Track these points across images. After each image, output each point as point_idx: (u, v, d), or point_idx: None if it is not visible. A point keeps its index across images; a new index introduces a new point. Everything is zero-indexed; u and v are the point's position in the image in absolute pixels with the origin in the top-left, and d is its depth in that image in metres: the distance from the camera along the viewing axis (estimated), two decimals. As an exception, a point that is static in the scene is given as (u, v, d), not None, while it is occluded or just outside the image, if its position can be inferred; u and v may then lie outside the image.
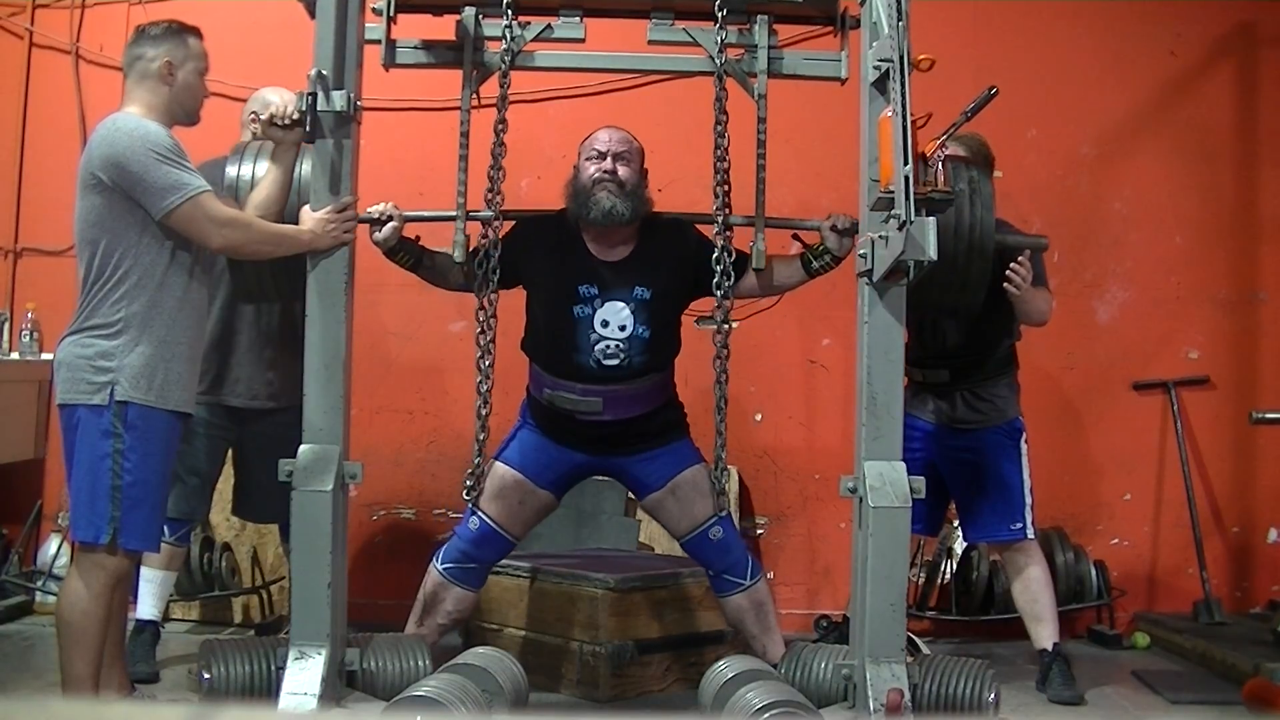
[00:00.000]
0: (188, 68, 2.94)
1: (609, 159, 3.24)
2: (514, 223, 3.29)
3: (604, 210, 3.19)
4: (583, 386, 3.25)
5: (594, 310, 3.23)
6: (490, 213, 3.16)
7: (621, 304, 3.23)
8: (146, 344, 2.81)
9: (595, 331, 3.22)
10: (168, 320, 2.85)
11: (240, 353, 3.66)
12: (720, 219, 3.17)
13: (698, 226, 3.33)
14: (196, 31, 3.00)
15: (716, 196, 3.17)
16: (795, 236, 3.34)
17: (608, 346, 3.22)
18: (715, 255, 3.15)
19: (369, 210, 3.12)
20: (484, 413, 3.19)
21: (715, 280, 3.14)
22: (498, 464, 3.34)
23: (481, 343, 3.20)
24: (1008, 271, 3.37)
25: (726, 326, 3.15)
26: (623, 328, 3.23)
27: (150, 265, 2.83)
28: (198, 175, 2.84)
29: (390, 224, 3.14)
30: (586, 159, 3.28)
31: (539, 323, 3.34)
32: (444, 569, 3.30)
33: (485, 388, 3.20)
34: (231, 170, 3.23)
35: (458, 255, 3.14)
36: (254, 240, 2.90)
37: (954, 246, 3.08)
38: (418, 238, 3.25)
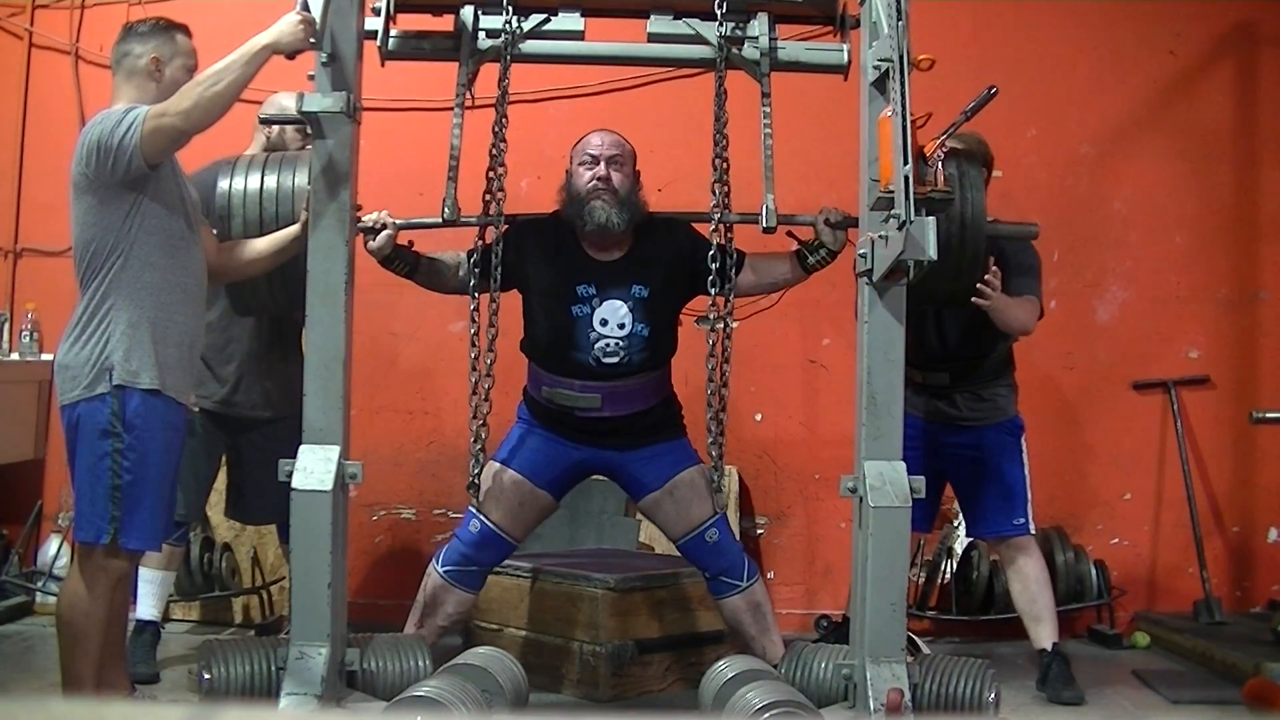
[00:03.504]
0: (175, 64, 2.92)
1: (602, 164, 3.25)
2: (507, 225, 3.29)
3: (599, 223, 3.22)
4: (581, 383, 3.26)
5: (592, 309, 3.24)
6: (485, 217, 3.15)
7: (620, 302, 3.24)
8: (138, 324, 2.80)
9: (595, 330, 3.23)
10: (156, 301, 2.82)
11: (238, 362, 3.66)
12: (718, 214, 3.15)
13: (693, 225, 3.33)
14: (185, 29, 2.99)
15: (714, 195, 3.17)
16: (790, 233, 3.33)
17: (607, 345, 3.24)
18: (712, 253, 3.13)
19: (363, 220, 3.11)
20: (483, 410, 3.16)
21: (711, 279, 3.13)
22: (496, 465, 3.34)
23: (477, 344, 3.15)
24: (978, 285, 3.31)
25: (722, 326, 3.14)
26: (621, 325, 3.24)
27: (137, 248, 2.81)
28: (139, 105, 2.80)
29: (385, 232, 3.14)
30: (580, 164, 3.29)
31: (538, 323, 3.34)
32: (445, 571, 3.29)
33: (487, 386, 3.17)
34: (224, 183, 3.17)
35: (447, 214, 3.07)
36: (211, 89, 2.71)
37: (946, 229, 3.06)
38: (411, 243, 3.25)
